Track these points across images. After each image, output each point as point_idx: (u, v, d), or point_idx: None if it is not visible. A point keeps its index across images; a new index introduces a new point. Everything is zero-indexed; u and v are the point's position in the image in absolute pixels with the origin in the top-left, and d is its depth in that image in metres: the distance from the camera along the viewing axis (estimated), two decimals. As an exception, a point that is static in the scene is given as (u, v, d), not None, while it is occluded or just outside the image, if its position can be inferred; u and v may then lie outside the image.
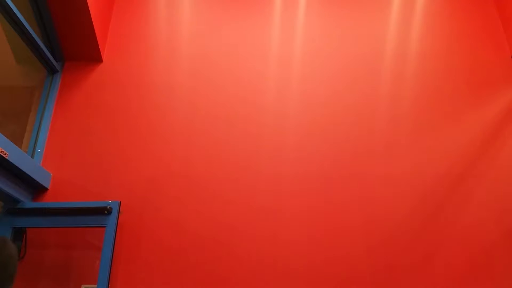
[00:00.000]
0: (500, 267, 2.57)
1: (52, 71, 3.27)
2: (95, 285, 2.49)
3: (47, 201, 2.85)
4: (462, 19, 3.45)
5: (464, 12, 3.48)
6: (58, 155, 3.01)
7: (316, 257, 2.66)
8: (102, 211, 2.66)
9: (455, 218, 2.72)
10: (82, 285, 2.68)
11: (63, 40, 3.21)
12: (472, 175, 2.84)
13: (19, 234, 2.74)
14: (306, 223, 2.76)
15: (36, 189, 2.86)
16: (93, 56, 3.32)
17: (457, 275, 2.56)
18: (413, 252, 2.64)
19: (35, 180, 2.71)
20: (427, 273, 2.58)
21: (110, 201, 2.71)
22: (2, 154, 2.29)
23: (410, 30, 3.42)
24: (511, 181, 2.80)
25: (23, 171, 2.55)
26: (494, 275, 2.56)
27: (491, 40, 3.33)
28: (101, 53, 3.33)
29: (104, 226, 2.64)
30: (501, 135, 2.95)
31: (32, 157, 2.95)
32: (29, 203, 2.76)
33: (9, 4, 2.63)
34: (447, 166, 2.87)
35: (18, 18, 2.74)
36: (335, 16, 3.53)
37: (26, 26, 2.83)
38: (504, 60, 3.24)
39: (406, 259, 2.62)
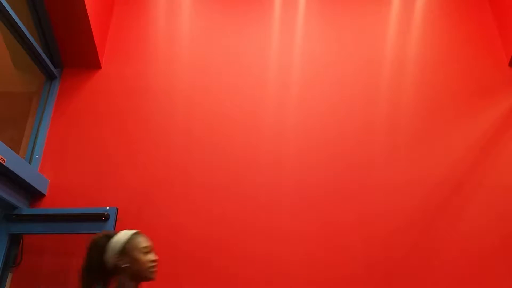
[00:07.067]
0: (499, 272, 2.57)
1: (50, 77, 3.28)
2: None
3: (44, 207, 2.84)
4: (460, 28, 3.47)
5: (462, 21, 3.50)
6: (55, 161, 3.00)
7: (315, 267, 2.65)
8: (100, 218, 2.65)
9: (454, 226, 2.71)
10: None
11: (62, 46, 3.23)
12: (470, 182, 2.83)
13: (15, 240, 2.72)
14: (304, 235, 2.75)
15: (33, 195, 2.85)
16: (91, 63, 3.33)
17: (456, 282, 2.56)
18: (413, 260, 2.63)
19: (32, 186, 2.70)
20: (427, 281, 2.57)
21: (107, 208, 2.70)
22: (0, 160, 2.29)
23: (408, 39, 3.44)
24: (509, 187, 2.80)
25: (20, 177, 2.54)
26: (493, 281, 2.55)
27: (489, 48, 3.35)
28: (100, 60, 3.34)
29: (101, 233, 2.63)
30: (499, 142, 2.96)
31: (29, 163, 2.94)
32: (26, 209, 2.75)
33: (9, 10, 2.65)
34: (447, 174, 2.87)
35: (17, 24, 2.75)
36: (335, 25, 3.56)
37: (25, 32, 2.84)
38: (502, 68, 3.25)
39: (406, 267, 2.61)
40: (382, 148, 3.00)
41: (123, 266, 1.62)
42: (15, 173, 2.47)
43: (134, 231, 1.76)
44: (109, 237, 1.70)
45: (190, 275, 2.64)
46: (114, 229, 2.64)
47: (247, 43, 3.49)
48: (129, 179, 2.93)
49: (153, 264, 1.69)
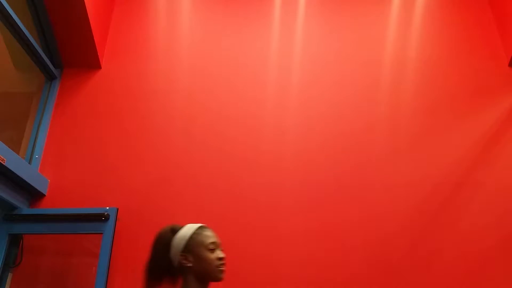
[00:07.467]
0: (499, 272, 2.57)
1: (50, 77, 3.28)
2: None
3: (44, 207, 2.84)
4: (460, 28, 3.47)
5: (462, 21, 3.50)
6: (55, 162, 3.00)
7: (315, 267, 2.65)
8: (100, 218, 2.65)
9: (454, 226, 2.71)
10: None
11: (62, 46, 3.22)
12: (470, 182, 2.83)
13: (15, 240, 2.72)
14: (305, 235, 2.74)
15: (33, 195, 2.85)
16: (91, 63, 3.33)
17: (456, 282, 2.55)
18: (413, 260, 2.63)
19: (32, 186, 2.70)
20: (427, 281, 2.57)
21: (107, 208, 2.70)
22: (0, 160, 2.28)
23: (408, 39, 3.44)
24: (509, 187, 2.80)
25: (20, 177, 2.54)
26: (493, 281, 2.55)
27: (489, 48, 3.35)
28: (100, 60, 3.34)
29: (101, 233, 2.63)
30: (499, 142, 2.96)
31: (29, 163, 2.94)
32: (26, 210, 2.75)
33: (9, 10, 2.65)
34: (447, 174, 2.87)
35: (18, 25, 2.75)
36: (335, 25, 3.56)
37: (25, 33, 2.84)
38: (502, 68, 3.25)
39: (406, 267, 2.61)
40: (382, 148, 2.99)
41: (187, 265, 1.47)
42: (15, 173, 2.47)
43: (199, 225, 1.58)
44: (175, 231, 1.55)
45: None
46: (114, 229, 2.65)
47: (247, 43, 3.49)
48: (129, 179, 2.93)
49: (220, 262, 1.51)
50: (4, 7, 2.60)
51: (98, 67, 3.36)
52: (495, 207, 2.75)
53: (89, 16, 3.05)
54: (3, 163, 2.31)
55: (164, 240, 1.54)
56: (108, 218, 2.66)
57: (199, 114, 3.16)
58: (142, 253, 2.66)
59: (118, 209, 2.73)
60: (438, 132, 3.03)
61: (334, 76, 3.31)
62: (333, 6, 3.64)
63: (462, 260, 2.61)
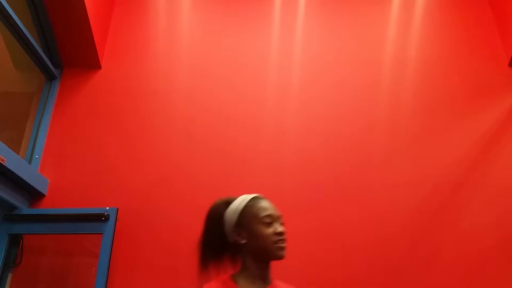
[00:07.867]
0: (499, 273, 2.57)
1: (50, 77, 3.27)
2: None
3: (44, 207, 2.84)
4: (460, 28, 3.47)
5: (462, 21, 3.50)
6: (55, 162, 3.00)
7: (315, 267, 2.65)
8: (100, 218, 2.65)
9: (454, 226, 2.71)
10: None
11: (62, 46, 3.22)
12: (470, 182, 2.83)
13: (15, 240, 2.72)
14: (305, 235, 2.74)
15: (33, 195, 2.85)
16: (91, 63, 3.33)
17: (457, 283, 2.55)
18: (413, 260, 2.63)
19: (32, 186, 2.70)
20: (427, 281, 2.57)
21: (107, 208, 2.70)
22: (0, 160, 2.28)
23: (408, 39, 3.44)
24: (509, 187, 2.80)
25: (20, 177, 2.54)
26: (492, 281, 2.55)
27: (489, 48, 3.35)
28: (100, 60, 3.34)
29: (101, 233, 2.63)
30: (499, 142, 2.96)
31: (29, 163, 2.94)
32: (26, 210, 2.75)
33: (8, 10, 2.64)
34: (447, 174, 2.87)
35: (17, 24, 2.75)
36: (335, 25, 3.56)
37: (25, 33, 2.84)
38: (502, 68, 3.25)
39: (407, 267, 2.61)
40: (382, 148, 2.99)
41: (242, 242, 1.32)
42: (15, 173, 2.47)
43: (253, 195, 1.40)
44: (228, 204, 1.40)
45: (191, 276, 2.63)
46: (114, 229, 2.64)
47: (247, 43, 3.49)
48: (129, 179, 2.93)
49: (279, 237, 1.32)
50: (4, 7, 2.60)
51: (98, 67, 3.36)
52: (495, 207, 2.75)
53: (89, 16, 3.05)
54: (3, 163, 2.31)
55: (216, 215, 1.40)
56: (108, 218, 2.65)
57: (199, 114, 3.16)
58: (142, 253, 2.69)
59: (118, 209, 2.73)
60: (438, 132, 3.03)
61: (334, 76, 3.31)
62: (333, 6, 3.64)
63: (462, 260, 2.61)
